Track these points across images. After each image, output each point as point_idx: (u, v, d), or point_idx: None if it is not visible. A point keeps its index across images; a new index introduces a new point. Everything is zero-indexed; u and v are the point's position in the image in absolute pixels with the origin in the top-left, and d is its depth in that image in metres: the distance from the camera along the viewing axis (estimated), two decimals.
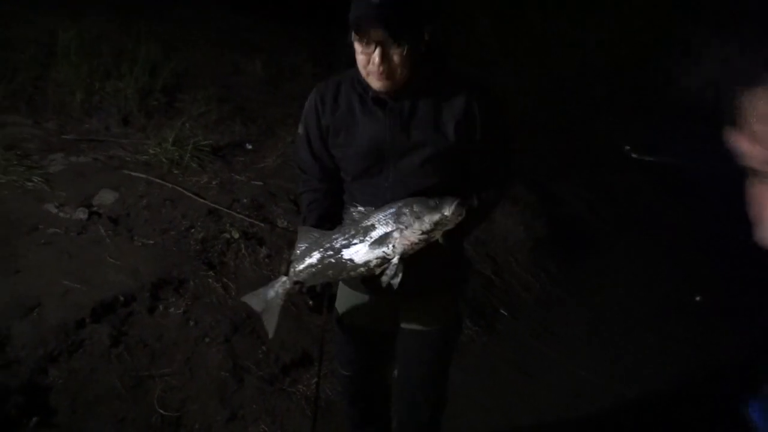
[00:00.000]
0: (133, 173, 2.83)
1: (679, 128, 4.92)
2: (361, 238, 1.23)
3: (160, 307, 2.25)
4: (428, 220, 1.18)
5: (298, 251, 1.31)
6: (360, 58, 1.24)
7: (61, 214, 2.49)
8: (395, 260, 1.22)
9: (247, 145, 3.36)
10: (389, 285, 1.26)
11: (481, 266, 3.21)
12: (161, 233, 2.52)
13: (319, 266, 1.28)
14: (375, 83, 1.26)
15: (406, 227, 1.19)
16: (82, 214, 2.49)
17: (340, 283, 1.52)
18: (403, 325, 1.54)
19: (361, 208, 1.26)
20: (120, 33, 3.87)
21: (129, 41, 3.71)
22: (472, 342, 2.74)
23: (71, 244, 2.37)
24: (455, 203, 1.18)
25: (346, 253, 1.24)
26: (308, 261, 1.29)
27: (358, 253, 1.24)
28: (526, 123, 5.00)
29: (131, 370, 2.02)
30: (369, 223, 1.23)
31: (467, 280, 1.65)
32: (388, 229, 1.20)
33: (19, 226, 2.40)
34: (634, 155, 5.44)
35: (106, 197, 2.64)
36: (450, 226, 1.21)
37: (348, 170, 1.40)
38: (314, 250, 1.28)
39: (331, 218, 1.36)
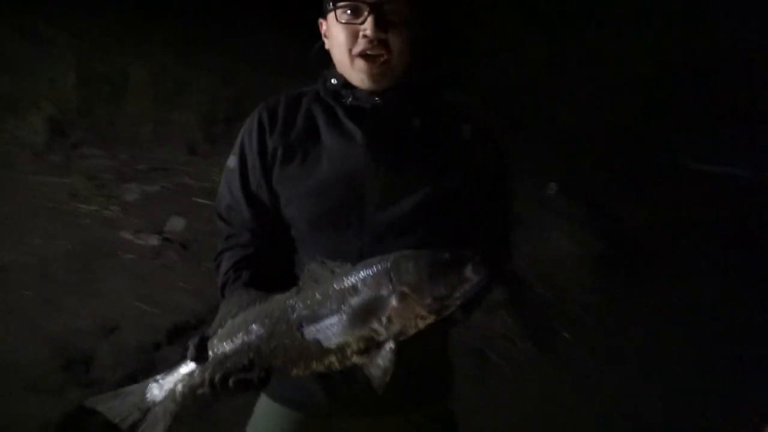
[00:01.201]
0: (200, 200, 3.00)
1: (743, 137, 4.70)
2: (335, 307, 0.76)
3: None
4: (444, 282, 0.75)
5: (223, 324, 0.82)
6: (340, 39, 0.87)
7: (137, 241, 2.67)
8: (390, 345, 0.76)
9: None
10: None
11: (536, 285, 3.16)
12: None
13: (262, 349, 0.78)
14: (361, 73, 0.87)
15: (412, 290, 0.74)
16: (155, 241, 2.67)
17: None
18: None
19: (332, 264, 0.80)
20: (180, 65, 4.13)
21: (188, 73, 3.95)
22: (530, 365, 2.69)
23: (145, 269, 2.53)
24: (476, 260, 0.76)
25: (310, 330, 0.77)
26: (242, 339, 0.79)
27: (331, 329, 0.76)
28: (575, 137, 4.92)
29: None
30: (347, 284, 0.77)
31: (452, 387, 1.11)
32: (381, 293, 0.75)
33: (98, 252, 2.59)
34: (692, 166, 5.22)
35: (176, 224, 2.82)
36: (467, 295, 0.77)
37: (300, 217, 0.93)
38: (254, 323, 0.80)
39: (269, 286, 0.85)
